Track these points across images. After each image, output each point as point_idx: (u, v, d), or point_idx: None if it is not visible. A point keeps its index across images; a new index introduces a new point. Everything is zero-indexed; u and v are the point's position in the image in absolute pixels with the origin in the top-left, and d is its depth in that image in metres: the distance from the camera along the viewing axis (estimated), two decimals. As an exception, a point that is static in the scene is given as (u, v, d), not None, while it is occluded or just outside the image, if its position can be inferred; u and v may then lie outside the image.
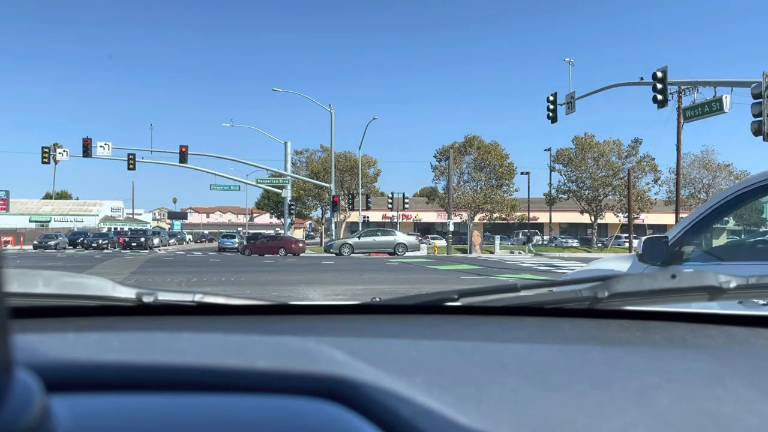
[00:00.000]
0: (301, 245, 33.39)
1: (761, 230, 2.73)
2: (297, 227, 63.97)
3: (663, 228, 46.67)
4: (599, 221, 47.33)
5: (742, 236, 2.87)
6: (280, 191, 38.31)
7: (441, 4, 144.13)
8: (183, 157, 35.10)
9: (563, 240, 49.44)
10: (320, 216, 56.78)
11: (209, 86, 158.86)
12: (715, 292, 1.08)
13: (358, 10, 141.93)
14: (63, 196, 77.93)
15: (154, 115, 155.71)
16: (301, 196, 52.34)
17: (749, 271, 2.50)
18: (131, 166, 35.28)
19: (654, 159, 45.38)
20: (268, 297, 9.59)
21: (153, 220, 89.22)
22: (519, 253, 36.47)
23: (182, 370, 0.46)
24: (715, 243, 3.45)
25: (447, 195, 39.94)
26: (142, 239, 42.19)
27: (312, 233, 62.66)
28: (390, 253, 31.92)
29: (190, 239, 72.30)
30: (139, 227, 57.46)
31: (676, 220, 24.62)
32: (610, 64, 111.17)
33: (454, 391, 0.54)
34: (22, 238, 47.61)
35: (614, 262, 3.84)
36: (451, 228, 37.11)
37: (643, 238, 3.45)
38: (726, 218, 3.42)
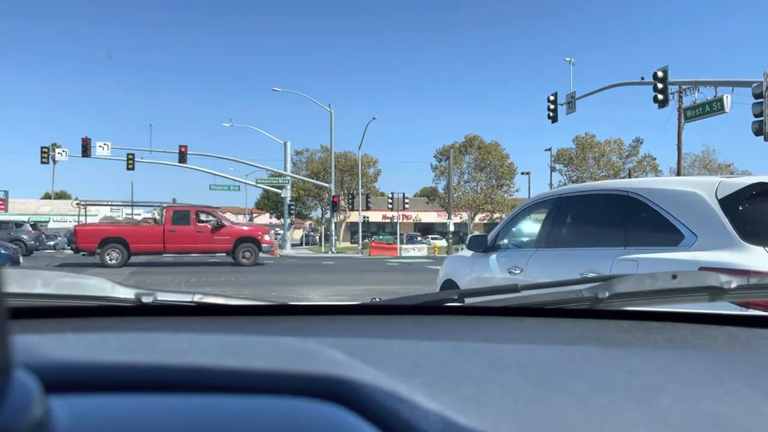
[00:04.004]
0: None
1: (540, 228, 4.61)
2: (297, 227, 63.93)
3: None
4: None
5: (534, 231, 4.77)
6: (279, 191, 38.31)
7: (441, 4, 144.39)
8: (182, 157, 35.10)
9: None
10: (320, 216, 56.81)
11: (209, 86, 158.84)
12: (715, 293, 1.08)
13: (357, 10, 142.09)
14: (62, 196, 77.90)
15: (154, 115, 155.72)
16: (301, 197, 52.35)
17: (530, 254, 4.05)
18: (130, 166, 35.29)
19: (655, 159, 45.47)
20: (267, 297, 9.59)
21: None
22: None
23: (181, 371, 0.46)
24: (520, 237, 5.06)
25: (447, 195, 39.96)
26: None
27: (312, 233, 62.68)
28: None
29: (189, 239, 72.17)
30: (138, 227, 57.38)
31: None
32: (611, 63, 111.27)
33: (454, 391, 0.54)
34: (21, 238, 47.62)
35: (465, 251, 5.37)
36: (452, 228, 37.10)
37: (470, 235, 5.50)
38: (526, 221, 5.05)
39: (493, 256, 4.82)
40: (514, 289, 1.20)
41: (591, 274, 3.38)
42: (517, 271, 4.30)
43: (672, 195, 3.28)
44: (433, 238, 45.63)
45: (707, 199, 3.06)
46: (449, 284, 5.39)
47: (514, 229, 5.04)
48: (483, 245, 4.96)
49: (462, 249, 6.02)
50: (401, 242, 37.03)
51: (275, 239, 24.53)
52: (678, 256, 3.00)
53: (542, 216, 4.57)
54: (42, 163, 34.26)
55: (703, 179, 3.33)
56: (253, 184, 39.48)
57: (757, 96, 15.74)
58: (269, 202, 63.68)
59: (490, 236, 5.01)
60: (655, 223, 3.32)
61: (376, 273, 18.02)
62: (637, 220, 3.50)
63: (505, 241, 4.97)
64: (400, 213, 45.13)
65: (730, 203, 2.98)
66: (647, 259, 3.14)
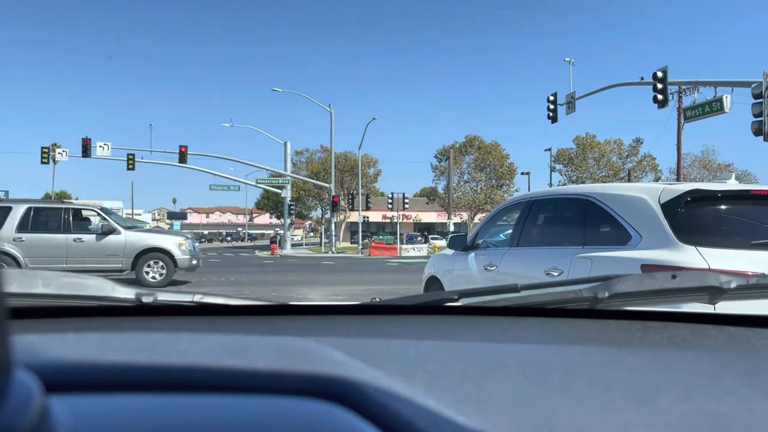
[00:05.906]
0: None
1: (512, 228, 5.00)
2: (297, 227, 63.87)
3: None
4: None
5: (507, 231, 5.48)
6: (279, 191, 38.31)
7: (441, 4, 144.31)
8: (182, 157, 35.06)
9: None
10: (320, 216, 56.78)
11: (209, 86, 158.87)
12: (715, 293, 1.08)
13: (358, 10, 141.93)
14: (62, 196, 77.77)
15: (154, 115, 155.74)
16: (301, 197, 52.30)
17: (503, 252, 4.96)
18: (131, 167, 35.23)
19: (655, 159, 45.40)
20: (267, 297, 9.58)
21: (152, 220, 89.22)
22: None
23: (182, 371, 0.46)
24: (496, 236, 5.65)
25: (447, 195, 39.95)
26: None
27: (311, 234, 62.65)
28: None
29: (189, 239, 72.10)
30: (138, 227, 57.27)
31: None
32: (611, 63, 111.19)
33: (454, 391, 0.54)
34: (22, 238, 47.56)
35: (448, 250, 5.80)
36: (452, 228, 37.07)
37: (450, 235, 5.99)
38: (502, 222, 5.58)
39: (472, 254, 5.24)
40: (513, 289, 1.20)
41: (554, 271, 3.75)
42: (492, 268, 4.67)
43: (623, 199, 3.66)
44: (432, 238, 45.56)
45: (651, 203, 3.42)
46: (433, 280, 5.85)
47: (491, 229, 5.50)
48: (463, 244, 5.43)
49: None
50: (401, 242, 37.02)
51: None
52: (625, 255, 3.37)
53: (515, 217, 4.94)
54: (42, 163, 34.19)
55: (651, 186, 3.68)
56: (253, 184, 39.47)
57: (756, 96, 15.73)
58: (269, 202, 63.65)
59: (470, 236, 5.50)
60: (609, 224, 3.68)
61: (376, 273, 18.01)
62: (594, 221, 3.86)
63: (484, 239, 5.41)
64: (400, 213, 45.10)
65: (669, 207, 3.34)
66: (599, 257, 3.51)
